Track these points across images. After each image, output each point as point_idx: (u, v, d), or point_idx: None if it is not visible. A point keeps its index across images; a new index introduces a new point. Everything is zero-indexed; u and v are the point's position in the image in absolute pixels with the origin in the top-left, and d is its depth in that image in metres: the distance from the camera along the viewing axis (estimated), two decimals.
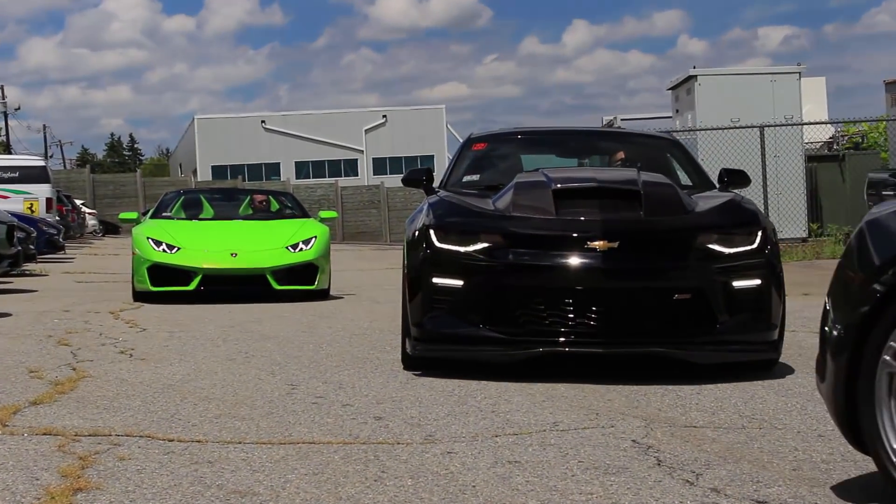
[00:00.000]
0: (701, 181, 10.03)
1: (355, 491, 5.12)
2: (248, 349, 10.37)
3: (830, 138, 37.87)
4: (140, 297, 16.16)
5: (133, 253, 16.48)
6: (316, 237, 16.86)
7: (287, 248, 16.54)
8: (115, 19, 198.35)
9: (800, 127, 28.50)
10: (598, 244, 8.09)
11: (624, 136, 11.65)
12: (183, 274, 16.12)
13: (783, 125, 27.10)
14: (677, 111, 32.92)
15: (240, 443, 6.16)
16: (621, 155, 10.56)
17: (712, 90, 30.62)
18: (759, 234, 8.40)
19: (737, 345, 8.20)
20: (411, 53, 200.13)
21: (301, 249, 16.55)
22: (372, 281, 20.60)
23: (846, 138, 39.29)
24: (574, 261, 8.08)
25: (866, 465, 5.57)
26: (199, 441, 6.20)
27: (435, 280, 8.36)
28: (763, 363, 8.49)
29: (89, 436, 6.31)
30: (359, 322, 12.93)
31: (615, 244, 8.10)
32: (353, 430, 6.50)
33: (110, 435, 6.34)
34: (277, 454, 5.88)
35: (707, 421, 6.72)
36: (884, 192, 17.93)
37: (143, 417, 6.91)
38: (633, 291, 8.09)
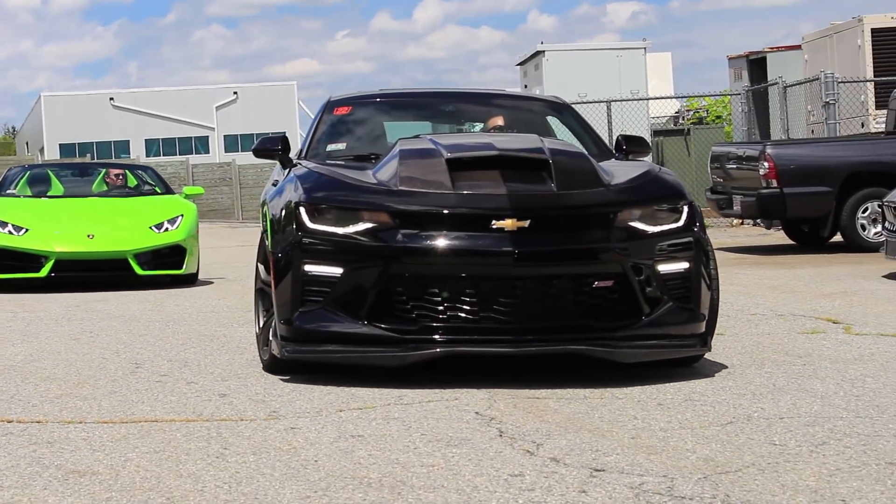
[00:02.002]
0: (599, 150, 8.69)
1: (196, 468, 5.11)
2: (93, 328, 10.26)
3: (676, 113, 38.42)
4: None
5: None
6: (183, 216, 15.32)
7: (151, 228, 14.96)
8: None
9: (646, 102, 28.88)
10: (505, 223, 6.97)
11: (505, 98, 10.12)
12: (32, 259, 14.42)
13: (629, 100, 27.43)
14: (526, 86, 33.15)
15: (81, 422, 6.11)
16: (499, 121, 9.19)
17: (560, 65, 30.90)
18: (686, 209, 7.36)
19: (663, 339, 7.19)
20: (262, 30, 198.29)
21: (167, 230, 14.98)
22: (222, 258, 20.40)
23: (691, 113, 39.91)
24: (477, 243, 6.97)
25: (703, 431, 5.69)
26: (38, 421, 6.14)
27: (307, 268, 7.09)
28: (690, 360, 7.52)
29: None
30: (207, 300, 12.83)
31: (525, 223, 6.99)
32: (196, 408, 6.47)
33: None
34: (119, 433, 5.84)
35: (550, 392, 6.79)
36: (727, 166, 18.25)
37: None
38: (548, 279, 7.03)
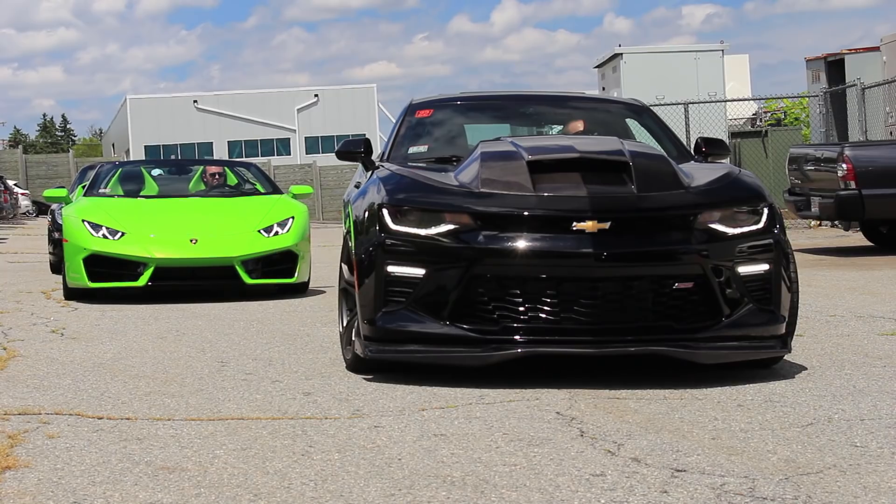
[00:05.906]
0: (678, 152, 8.75)
1: (283, 465, 5.20)
2: (178, 327, 10.40)
3: (753, 114, 38.26)
4: (74, 294, 13.24)
5: (63, 240, 13.47)
6: (293, 218, 13.79)
7: (260, 231, 13.47)
8: None
9: (723, 103, 28.76)
10: (586, 225, 6.97)
11: (583, 100, 10.10)
12: (129, 266, 12.98)
13: (707, 102, 27.32)
14: (603, 89, 33.15)
15: (169, 419, 6.21)
16: (579, 126, 9.25)
17: (637, 68, 30.89)
18: (766, 211, 7.35)
19: (743, 340, 7.17)
20: (342, 33, 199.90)
21: (277, 233, 13.50)
22: None
23: (769, 114, 39.71)
24: (558, 245, 6.98)
25: (783, 433, 5.71)
26: (128, 418, 6.25)
27: (390, 269, 7.15)
28: (769, 361, 7.54)
29: (18, 414, 6.35)
30: (289, 299, 12.94)
31: (606, 225, 7.00)
32: (281, 406, 6.57)
33: (40, 413, 6.38)
34: (206, 430, 5.94)
35: (629, 392, 6.82)
36: (805, 167, 18.15)
37: (73, 396, 6.95)
38: (629, 280, 7.02)
